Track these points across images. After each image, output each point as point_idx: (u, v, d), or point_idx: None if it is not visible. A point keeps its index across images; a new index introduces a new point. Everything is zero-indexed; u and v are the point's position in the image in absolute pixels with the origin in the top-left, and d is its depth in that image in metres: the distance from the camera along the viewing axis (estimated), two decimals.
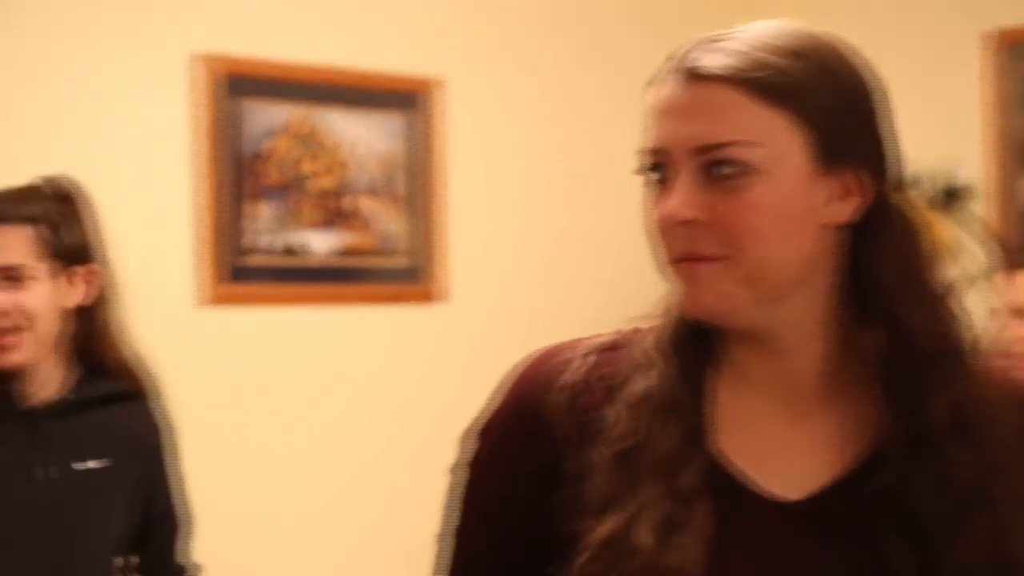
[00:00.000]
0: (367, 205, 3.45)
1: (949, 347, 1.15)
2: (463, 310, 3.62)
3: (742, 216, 1.11)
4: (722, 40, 1.13)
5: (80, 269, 2.27)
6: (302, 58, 3.35)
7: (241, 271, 3.23)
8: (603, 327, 1.27)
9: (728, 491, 1.14)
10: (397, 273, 3.51)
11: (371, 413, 3.47)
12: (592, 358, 1.21)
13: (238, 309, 3.25)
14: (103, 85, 3.08)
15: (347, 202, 3.41)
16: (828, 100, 1.12)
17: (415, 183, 3.53)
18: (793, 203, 1.11)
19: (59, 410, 2.25)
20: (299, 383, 3.37)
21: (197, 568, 2.47)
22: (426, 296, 3.56)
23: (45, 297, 2.21)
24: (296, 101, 3.34)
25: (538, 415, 1.19)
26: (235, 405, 3.27)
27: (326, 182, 3.38)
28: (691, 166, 1.11)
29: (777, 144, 1.11)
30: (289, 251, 3.31)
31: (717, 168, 1.11)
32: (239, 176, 3.23)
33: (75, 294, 2.27)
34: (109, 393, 2.32)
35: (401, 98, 3.51)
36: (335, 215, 3.39)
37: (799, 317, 1.16)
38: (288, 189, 3.31)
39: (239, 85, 3.23)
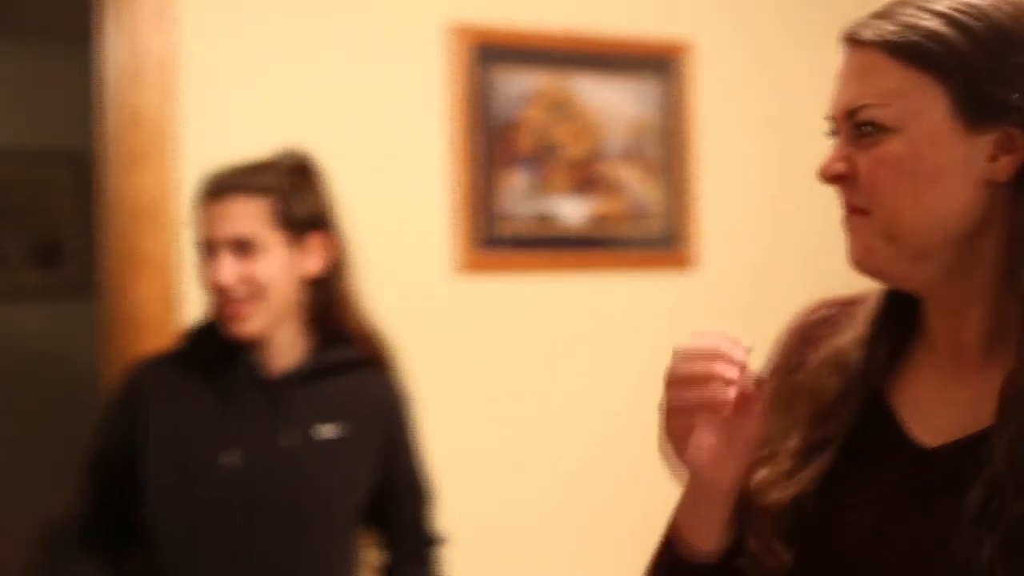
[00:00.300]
0: (619, 172, 3.43)
1: None
2: (715, 276, 3.57)
3: (874, 171, 1.18)
4: (891, 8, 1.20)
5: (314, 238, 2.28)
6: (552, 25, 3.35)
7: (494, 239, 3.26)
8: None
9: (884, 432, 1.24)
10: (649, 240, 3.48)
11: (621, 377, 3.45)
12: (833, 310, 1.37)
13: (491, 276, 3.27)
14: (359, 57, 3.14)
15: (599, 169, 3.40)
16: (973, 59, 1.15)
17: (667, 149, 3.50)
18: (927, 159, 1.16)
19: (298, 378, 2.28)
20: (550, 349, 3.38)
21: (442, 539, 2.48)
22: (678, 263, 3.52)
23: (278, 267, 2.23)
24: (547, 69, 3.34)
25: (787, 357, 1.36)
26: (489, 369, 3.31)
27: (577, 149, 3.38)
28: (846, 128, 1.21)
29: (912, 103, 1.16)
30: (541, 218, 3.33)
31: (861, 128, 1.19)
32: (492, 145, 3.26)
33: (310, 263, 2.29)
34: (347, 361, 2.34)
35: (653, 63, 3.48)
36: (587, 182, 3.38)
37: (963, 276, 1.19)
38: (540, 157, 3.32)
39: (490, 54, 3.25)
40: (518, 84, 3.30)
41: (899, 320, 1.28)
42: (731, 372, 1.19)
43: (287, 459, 2.23)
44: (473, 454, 3.26)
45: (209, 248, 2.23)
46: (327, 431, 2.27)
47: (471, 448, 3.26)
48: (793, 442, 1.27)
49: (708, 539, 1.29)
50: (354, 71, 3.13)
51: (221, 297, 2.22)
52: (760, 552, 1.25)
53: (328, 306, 2.33)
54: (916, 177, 1.16)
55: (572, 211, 3.36)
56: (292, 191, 2.26)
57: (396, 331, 3.04)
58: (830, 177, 1.22)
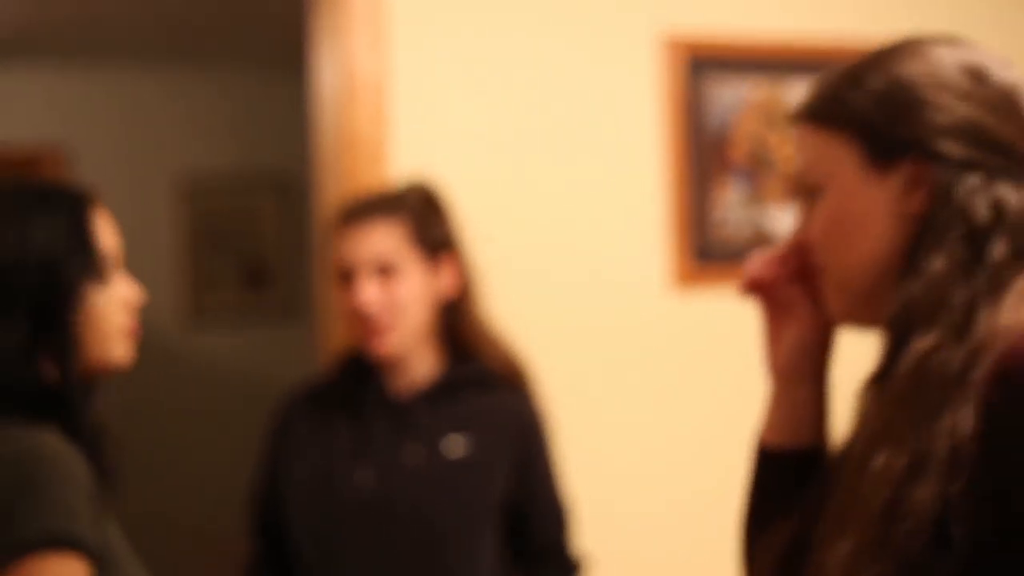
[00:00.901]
0: None
1: None
2: None
3: (816, 230, 1.28)
4: (814, 82, 1.32)
5: (446, 260, 2.33)
6: (764, 33, 3.28)
7: (708, 251, 3.20)
8: None
9: None
10: None
11: (836, 389, 3.35)
12: None
13: (705, 289, 3.22)
14: (571, 72, 3.12)
15: None
16: (870, 106, 1.24)
17: None
18: (851, 208, 1.25)
19: (427, 398, 2.30)
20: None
21: (583, 562, 2.45)
22: None
23: (415, 288, 2.27)
24: (760, 77, 3.27)
25: None
26: (705, 381, 3.25)
27: (792, 159, 3.29)
28: (799, 199, 1.34)
29: (830, 160, 1.26)
30: (756, 230, 3.25)
31: (807, 195, 1.31)
32: (705, 156, 3.20)
33: (443, 284, 2.33)
34: (476, 380, 2.35)
35: None
36: None
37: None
38: (754, 167, 3.25)
39: (703, 64, 3.20)
40: (731, 94, 3.24)
41: None
42: (754, 265, 1.38)
43: (414, 477, 2.25)
44: (693, 461, 3.20)
45: (349, 273, 2.28)
46: (455, 449, 2.28)
47: (690, 455, 3.20)
48: None
49: (774, 428, 1.42)
50: (566, 86, 3.11)
51: (362, 320, 2.26)
52: None
53: (459, 327, 2.38)
54: (844, 227, 1.25)
55: (787, 222, 3.28)
56: (425, 213, 2.33)
57: (611, 344, 3.00)
58: (795, 246, 1.33)
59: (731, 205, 3.23)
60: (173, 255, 5.65)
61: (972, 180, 1.20)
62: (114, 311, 1.79)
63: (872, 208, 1.24)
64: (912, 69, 1.24)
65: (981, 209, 1.19)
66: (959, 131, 1.20)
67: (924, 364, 1.15)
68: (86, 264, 1.73)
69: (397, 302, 2.25)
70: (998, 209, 1.19)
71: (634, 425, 3.14)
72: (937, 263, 1.19)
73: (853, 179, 1.25)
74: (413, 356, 2.32)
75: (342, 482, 2.27)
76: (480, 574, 2.29)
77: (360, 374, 2.35)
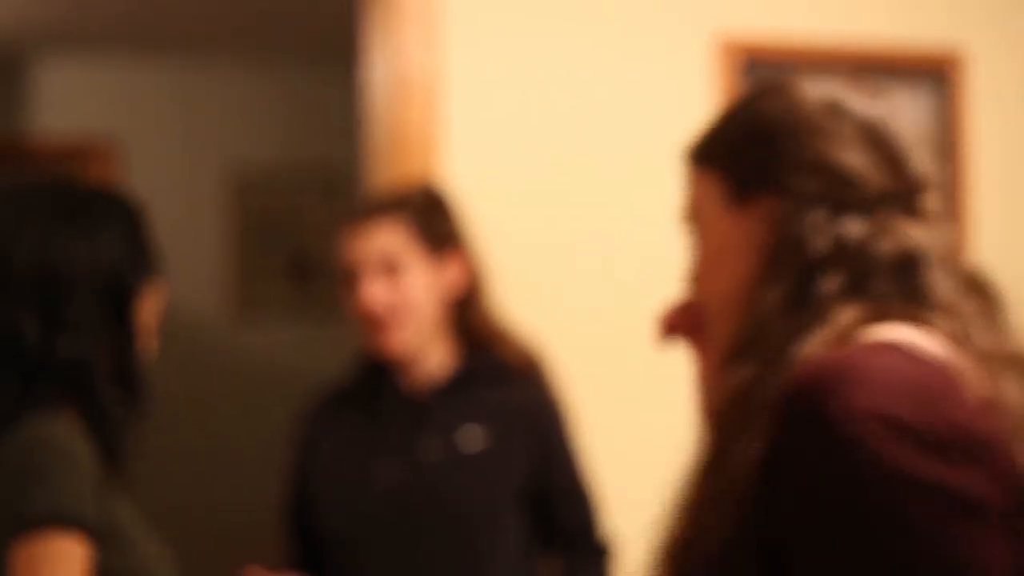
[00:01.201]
0: None
1: None
2: None
3: (693, 265, 1.32)
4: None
5: (452, 255, 2.34)
6: (820, 37, 3.25)
7: None
8: None
9: None
10: None
11: None
12: None
13: None
14: (625, 72, 3.11)
15: None
16: (730, 144, 1.28)
17: (941, 165, 3.35)
18: (714, 241, 1.28)
19: (442, 393, 2.32)
20: None
21: (612, 547, 2.47)
22: None
23: (421, 284, 2.29)
24: (813, 80, 3.23)
25: None
26: None
27: None
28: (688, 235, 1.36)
29: (700, 197, 1.31)
30: None
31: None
32: None
33: (450, 280, 2.34)
34: (494, 372, 2.37)
35: (926, 74, 3.34)
36: None
37: None
38: None
39: (758, 67, 3.18)
40: None
41: None
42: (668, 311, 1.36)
43: (434, 471, 2.27)
44: None
45: (353, 274, 2.31)
46: (472, 443, 2.30)
47: None
48: None
49: None
50: (619, 86, 3.09)
51: (369, 319, 2.29)
52: None
53: (470, 321, 2.39)
54: (711, 261, 1.29)
55: None
56: (429, 212, 2.35)
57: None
58: (691, 282, 1.35)
59: None
60: (221, 248, 5.67)
61: (816, 214, 1.20)
62: (152, 308, 1.98)
63: (732, 242, 1.26)
64: (772, 107, 1.27)
65: (818, 243, 1.19)
66: (810, 166, 1.22)
67: (736, 395, 1.16)
68: (145, 268, 1.95)
69: (403, 300, 2.28)
70: (838, 243, 1.19)
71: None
72: (769, 296, 1.20)
73: (720, 214, 1.28)
74: (425, 352, 2.33)
75: (365, 479, 2.29)
76: (505, 563, 2.31)
77: (377, 373, 2.37)
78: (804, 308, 1.17)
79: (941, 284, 1.19)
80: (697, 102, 3.14)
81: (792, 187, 1.22)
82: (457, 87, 2.96)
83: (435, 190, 2.44)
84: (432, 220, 2.35)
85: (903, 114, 3.23)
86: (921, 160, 1.27)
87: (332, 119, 5.51)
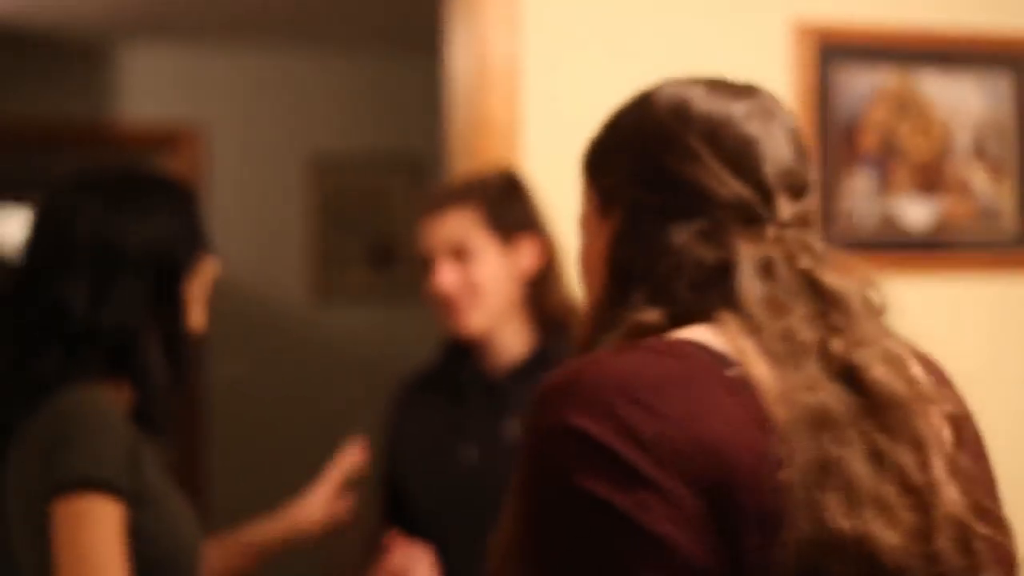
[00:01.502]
0: (966, 172, 3.30)
1: None
2: None
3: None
4: None
5: (524, 239, 2.40)
6: (896, 21, 3.25)
7: (835, 240, 3.17)
8: None
9: None
10: (999, 242, 3.34)
11: (964, 383, 3.32)
12: None
13: None
14: (702, 58, 3.12)
15: (945, 169, 3.29)
16: (594, 158, 1.36)
17: (1019, 148, 3.35)
18: (587, 250, 1.37)
19: (520, 374, 2.38)
20: None
21: None
22: None
23: (492, 268, 2.36)
24: (891, 66, 3.25)
25: None
26: None
27: (923, 149, 3.27)
28: None
29: (584, 206, 1.38)
30: (884, 220, 3.24)
31: None
32: (835, 145, 3.19)
33: (523, 263, 2.40)
34: (567, 354, 2.39)
35: (1003, 58, 3.33)
36: (932, 182, 3.27)
37: None
38: (884, 157, 3.23)
39: (834, 52, 3.19)
40: (862, 82, 3.22)
41: None
42: None
43: (513, 452, 2.28)
44: None
45: (429, 259, 2.39)
46: None
47: None
48: None
49: None
50: (696, 71, 3.09)
51: (443, 302, 2.37)
52: None
53: (545, 302, 2.43)
54: (583, 267, 1.36)
55: (917, 212, 3.26)
56: (499, 197, 2.41)
57: None
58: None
59: (859, 195, 3.21)
60: (303, 233, 5.76)
61: (643, 226, 1.25)
62: (202, 285, 2.10)
63: (596, 251, 1.32)
64: (627, 119, 1.32)
65: (634, 252, 1.25)
66: (646, 179, 1.26)
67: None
68: (195, 246, 2.07)
69: (473, 283, 2.35)
70: (656, 252, 1.23)
71: None
72: (593, 304, 1.31)
73: (597, 223, 1.32)
74: (501, 333, 2.40)
75: (447, 460, 2.37)
76: None
77: (460, 356, 2.45)
78: (614, 315, 1.23)
79: (754, 289, 1.19)
80: (774, 87, 3.15)
81: (630, 199, 1.27)
82: (538, 71, 3.00)
83: (510, 175, 2.49)
84: (504, 205, 2.40)
85: (979, 98, 3.25)
86: (778, 161, 1.27)
87: (416, 106, 5.56)
